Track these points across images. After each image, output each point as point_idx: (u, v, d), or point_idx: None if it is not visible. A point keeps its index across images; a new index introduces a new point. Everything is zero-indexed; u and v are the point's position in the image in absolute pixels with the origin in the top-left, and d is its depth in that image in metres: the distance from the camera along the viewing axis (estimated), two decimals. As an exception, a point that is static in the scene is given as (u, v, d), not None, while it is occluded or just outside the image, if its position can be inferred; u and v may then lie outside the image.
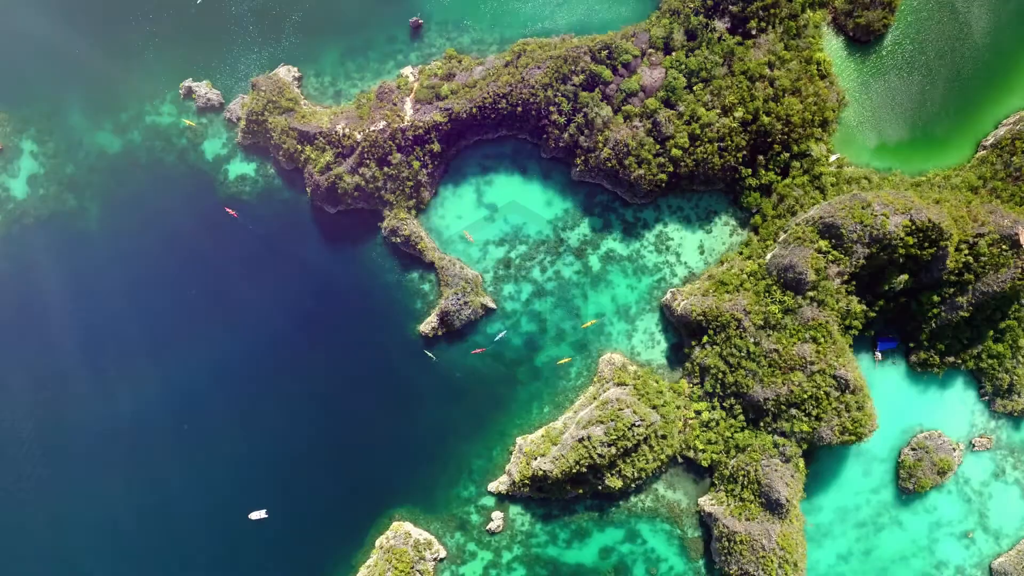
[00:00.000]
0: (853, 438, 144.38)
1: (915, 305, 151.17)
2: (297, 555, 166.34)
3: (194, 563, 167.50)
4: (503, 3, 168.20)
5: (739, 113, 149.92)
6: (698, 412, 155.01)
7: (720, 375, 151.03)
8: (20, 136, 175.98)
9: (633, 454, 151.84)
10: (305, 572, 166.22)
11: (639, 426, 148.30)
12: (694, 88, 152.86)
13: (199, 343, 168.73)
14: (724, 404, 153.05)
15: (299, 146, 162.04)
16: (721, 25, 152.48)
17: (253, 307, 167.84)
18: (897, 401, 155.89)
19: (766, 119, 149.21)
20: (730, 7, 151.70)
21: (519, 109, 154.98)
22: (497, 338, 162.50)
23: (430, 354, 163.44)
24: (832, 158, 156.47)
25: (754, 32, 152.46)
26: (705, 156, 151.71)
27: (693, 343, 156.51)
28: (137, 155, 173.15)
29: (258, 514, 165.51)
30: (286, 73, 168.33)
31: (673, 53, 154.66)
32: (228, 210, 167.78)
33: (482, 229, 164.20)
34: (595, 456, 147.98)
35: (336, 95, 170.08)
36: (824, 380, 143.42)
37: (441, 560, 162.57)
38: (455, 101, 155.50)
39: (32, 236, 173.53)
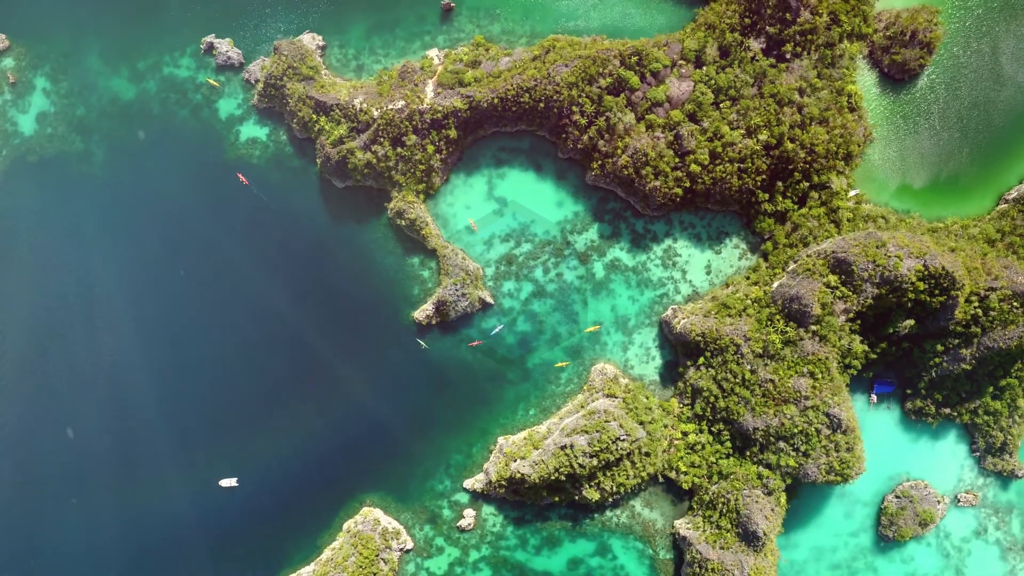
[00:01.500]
0: (839, 479, 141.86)
1: (917, 352, 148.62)
2: (262, 528, 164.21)
3: (155, 521, 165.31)
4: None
5: (763, 136, 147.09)
6: (685, 433, 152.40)
7: (712, 399, 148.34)
8: (35, 72, 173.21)
9: (614, 468, 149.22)
10: (268, 546, 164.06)
11: (624, 440, 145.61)
12: (721, 105, 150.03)
13: (187, 301, 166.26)
14: (712, 428, 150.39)
15: (314, 116, 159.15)
16: (756, 45, 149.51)
17: (247, 273, 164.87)
18: (887, 446, 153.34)
19: (790, 145, 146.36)
20: (767, 28, 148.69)
21: (541, 105, 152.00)
22: (493, 333, 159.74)
23: (422, 342, 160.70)
24: (851, 193, 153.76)
25: (788, 56, 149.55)
26: (724, 175, 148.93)
27: (688, 363, 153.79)
28: (150, 105, 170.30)
29: (228, 482, 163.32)
30: (310, 40, 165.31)
31: (704, 67, 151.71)
32: (240, 176, 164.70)
33: (489, 222, 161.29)
34: (576, 465, 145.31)
35: (358, 69, 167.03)
36: (817, 417, 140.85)
37: (407, 551, 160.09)
38: (478, 89, 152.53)
39: (34, 174, 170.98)
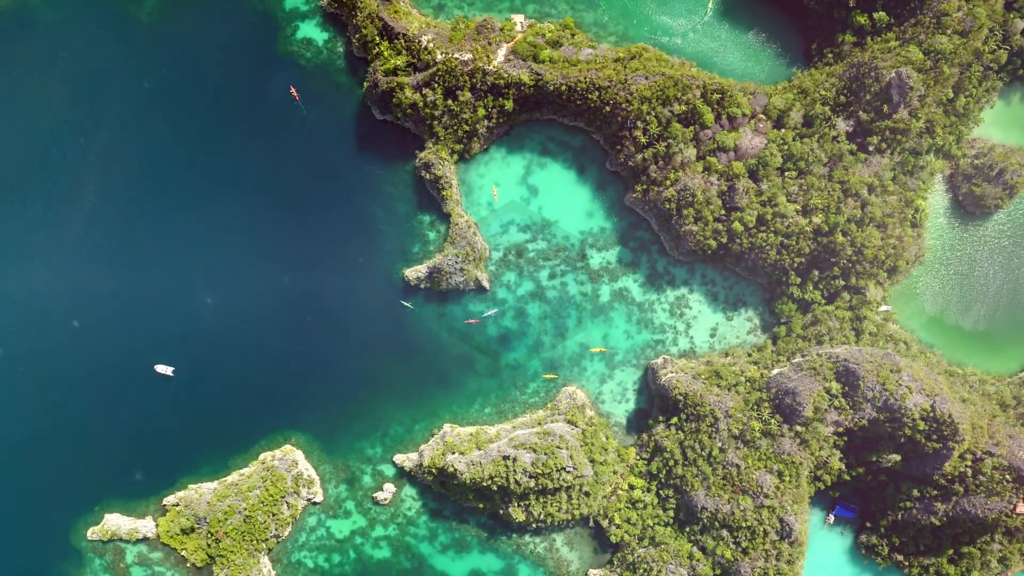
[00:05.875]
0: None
1: (891, 488, 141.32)
2: (180, 428, 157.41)
3: (80, 386, 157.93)
4: (647, 3, 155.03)
5: (818, 219, 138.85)
6: (632, 487, 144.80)
7: (671, 462, 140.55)
8: None
9: (549, 496, 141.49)
10: (180, 447, 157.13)
11: (569, 472, 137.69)
12: (786, 174, 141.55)
13: (184, 176, 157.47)
14: (661, 492, 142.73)
15: (378, 37, 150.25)
16: (843, 126, 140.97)
17: (255, 167, 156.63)
18: (827, 571, 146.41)
19: (840, 238, 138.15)
20: (860, 113, 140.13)
21: (607, 109, 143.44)
22: (486, 315, 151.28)
23: (407, 303, 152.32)
24: (882, 308, 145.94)
25: (871, 149, 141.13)
26: (764, 244, 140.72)
27: (660, 418, 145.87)
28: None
29: (164, 369, 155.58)
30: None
31: (783, 130, 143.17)
32: (292, 90, 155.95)
33: (513, 207, 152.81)
34: (512, 480, 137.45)
35: (438, 7, 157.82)
36: (770, 518, 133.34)
37: (315, 503, 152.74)
38: (550, 70, 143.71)
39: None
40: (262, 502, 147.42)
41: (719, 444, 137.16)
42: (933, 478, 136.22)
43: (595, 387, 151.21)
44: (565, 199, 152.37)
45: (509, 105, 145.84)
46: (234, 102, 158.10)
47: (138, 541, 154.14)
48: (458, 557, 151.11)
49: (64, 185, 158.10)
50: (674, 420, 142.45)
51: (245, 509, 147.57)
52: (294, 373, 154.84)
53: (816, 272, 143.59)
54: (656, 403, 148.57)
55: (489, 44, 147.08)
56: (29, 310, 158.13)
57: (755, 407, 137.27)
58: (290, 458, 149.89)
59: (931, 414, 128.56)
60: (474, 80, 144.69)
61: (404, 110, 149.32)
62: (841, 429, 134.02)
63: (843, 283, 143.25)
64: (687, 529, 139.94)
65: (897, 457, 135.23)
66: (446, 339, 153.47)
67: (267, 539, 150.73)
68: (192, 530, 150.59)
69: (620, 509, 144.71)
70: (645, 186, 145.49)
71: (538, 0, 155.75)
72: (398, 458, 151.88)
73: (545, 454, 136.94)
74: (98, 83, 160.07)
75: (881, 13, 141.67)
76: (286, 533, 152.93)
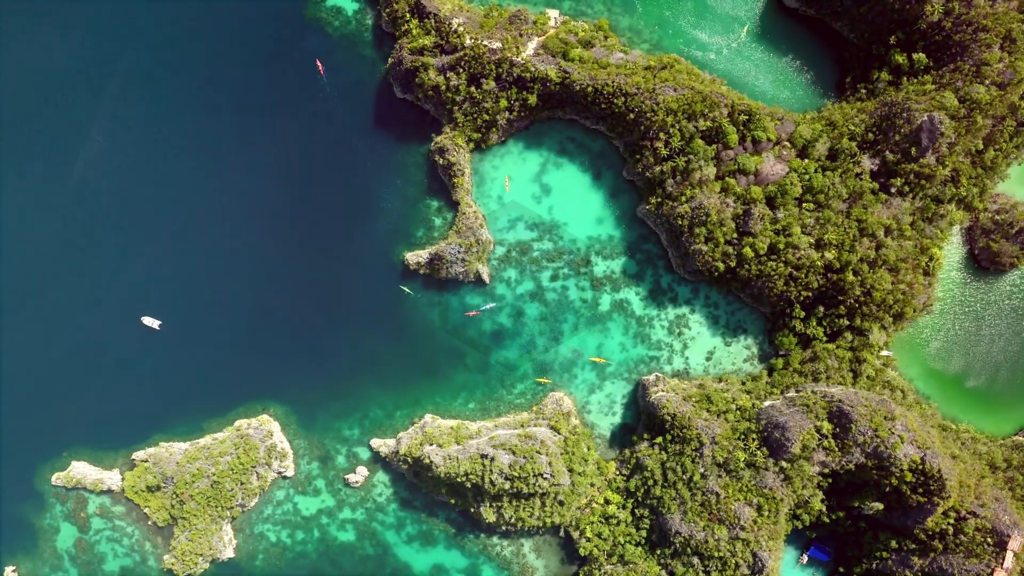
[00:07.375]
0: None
1: (869, 537, 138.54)
2: (159, 383, 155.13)
3: (63, 331, 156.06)
4: (685, 15, 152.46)
5: (830, 255, 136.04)
6: (608, 501, 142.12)
7: (651, 482, 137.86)
8: None
9: (523, 500, 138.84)
10: (156, 403, 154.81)
11: (546, 479, 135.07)
12: (804, 204, 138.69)
13: (192, 135, 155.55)
14: (636, 511, 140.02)
15: (408, 14, 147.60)
16: (868, 164, 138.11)
17: (265, 133, 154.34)
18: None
19: (851, 277, 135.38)
20: (887, 153, 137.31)
21: (631, 116, 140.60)
22: (484, 308, 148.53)
23: (406, 288, 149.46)
24: (883, 353, 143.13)
25: (893, 190, 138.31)
26: (772, 273, 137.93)
27: (645, 436, 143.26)
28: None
29: (152, 322, 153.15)
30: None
31: (806, 160, 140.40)
32: (318, 63, 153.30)
33: (523, 204, 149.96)
34: (487, 479, 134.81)
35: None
36: (743, 551, 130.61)
37: (285, 477, 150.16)
38: (578, 69, 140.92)
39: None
40: (232, 469, 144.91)
41: (701, 469, 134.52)
42: (913, 531, 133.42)
43: (583, 396, 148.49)
44: (577, 202, 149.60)
45: (532, 99, 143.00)
46: (255, 62, 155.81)
47: (102, 492, 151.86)
48: (423, 550, 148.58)
49: (74, 125, 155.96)
50: (659, 440, 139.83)
51: (214, 474, 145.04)
52: (281, 342, 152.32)
53: (821, 308, 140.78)
54: (643, 420, 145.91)
55: (520, 35, 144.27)
56: (25, 245, 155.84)
57: (742, 437, 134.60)
58: (266, 428, 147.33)
59: (920, 467, 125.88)
60: (500, 70, 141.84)
61: (426, 91, 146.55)
62: (827, 470, 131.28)
63: (847, 323, 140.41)
64: (658, 551, 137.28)
65: (880, 506, 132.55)
66: (438, 328, 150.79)
67: (232, 507, 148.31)
68: (158, 488, 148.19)
69: (593, 522, 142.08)
70: (660, 199, 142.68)
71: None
72: (375, 442, 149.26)
73: (524, 457, 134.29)
74: (119, 32, 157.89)
75: (921, 55, 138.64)
76: (252, 504, 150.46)
